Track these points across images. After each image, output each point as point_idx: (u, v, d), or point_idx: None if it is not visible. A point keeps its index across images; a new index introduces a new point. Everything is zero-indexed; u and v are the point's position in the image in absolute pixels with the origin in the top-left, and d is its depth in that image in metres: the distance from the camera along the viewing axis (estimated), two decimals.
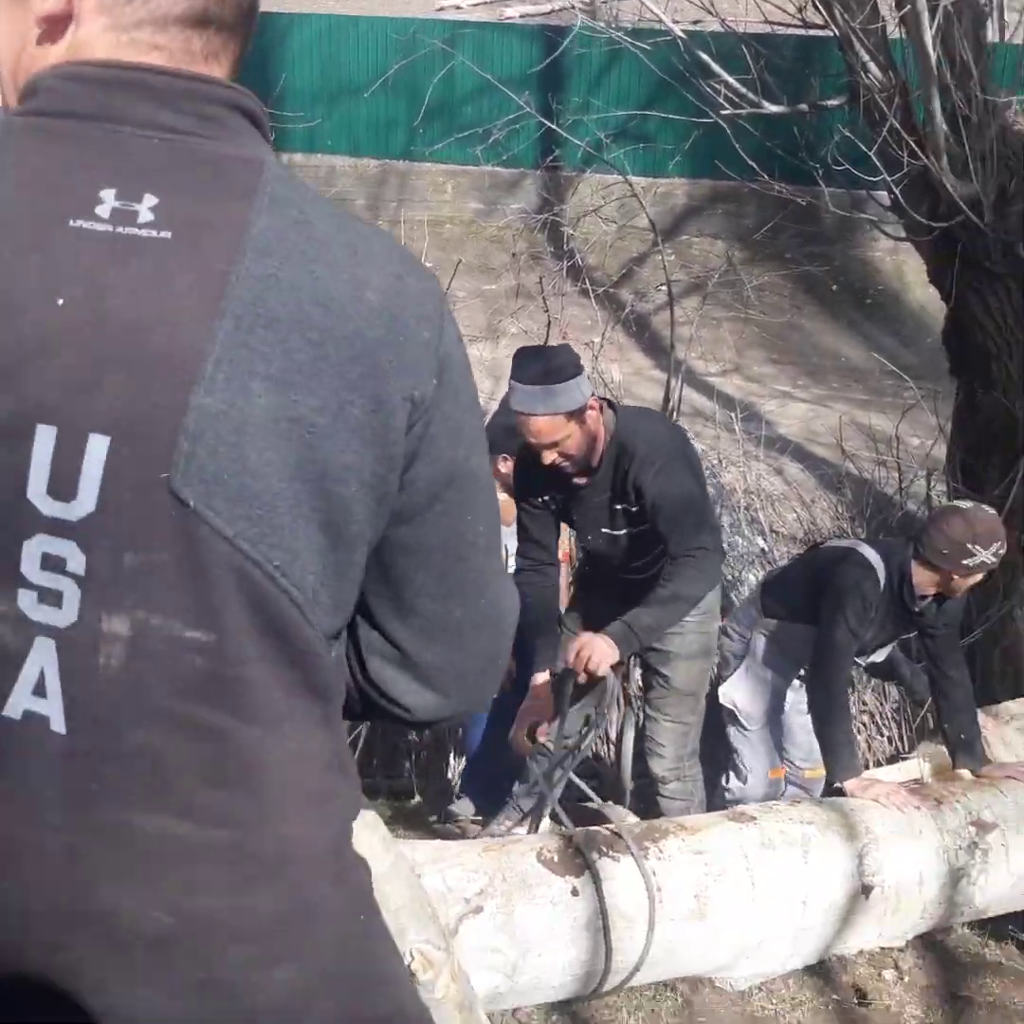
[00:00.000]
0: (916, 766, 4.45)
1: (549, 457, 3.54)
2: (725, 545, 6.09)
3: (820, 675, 3.83)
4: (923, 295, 10.50)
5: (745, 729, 4.31)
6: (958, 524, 3.77)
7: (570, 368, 3.51)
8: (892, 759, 5.27)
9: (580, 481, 3.68)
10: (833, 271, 12.43)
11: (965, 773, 3.83)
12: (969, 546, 3.75)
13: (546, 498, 3.79)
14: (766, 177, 5.49)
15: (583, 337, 9.86)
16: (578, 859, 2.97)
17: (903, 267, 12.07)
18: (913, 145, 4.46)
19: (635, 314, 11.57)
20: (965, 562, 3.78)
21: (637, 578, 3.74)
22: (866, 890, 3.26)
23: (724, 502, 6.30)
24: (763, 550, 6.00)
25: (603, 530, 3.75)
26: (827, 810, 3.40)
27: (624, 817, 4.09)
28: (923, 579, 3.88)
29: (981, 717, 4.61)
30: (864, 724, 5.67)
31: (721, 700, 4.32)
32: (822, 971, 3.38)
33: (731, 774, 4.38)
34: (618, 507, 3.68)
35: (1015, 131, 4.83)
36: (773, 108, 4.87)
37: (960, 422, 5.68)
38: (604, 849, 3.02)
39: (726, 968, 3.22)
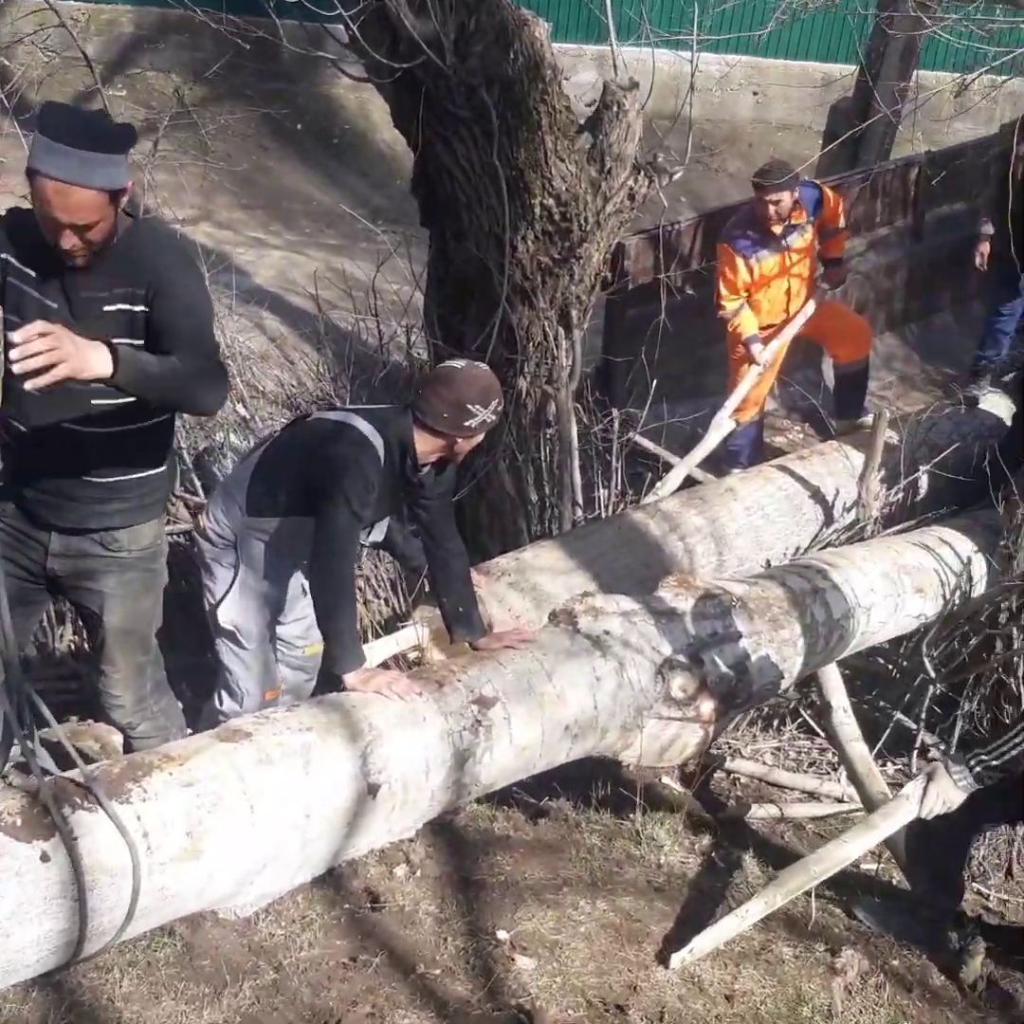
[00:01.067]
0: (414, 633, 4.38)
1: (69, 242, 2.92)
2: None
3: (323, 565, 3.54)
4: (391, 136, 10.28)
5: (242, 648, 3.96)
6: (454, 386, 3.64)
7: (127, 137, 2.94)
8: (390, 622, 5.19)
9: (79, 263, 3.02)
10: (297, 110, 11.92)
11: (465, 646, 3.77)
12: (469, 406, 3.63)
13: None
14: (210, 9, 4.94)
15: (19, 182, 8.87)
16: (47, 819, 2.58)
17: (368, 106, 11.77)
18: None
19: None
20: (467, 424, 3.66)
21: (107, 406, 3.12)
22: (373, 789, 3.11)
23: None
24: (244, 418, 5.64)
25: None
26: (327, 711, 3.19)
27: (106, 737, 3.71)
28: (427, 447, 3.71)
29: (475, 575, 4.61)
30: (360, 589, 5.54)
31: (220, 622, 3.93)
32: (332, 881, 3.23)
33: (223, 694, 4.04)
34: (119, 307, 3.07)
35: None
36: None
37: (435, 274, 5.53)
38: (79, 801, 2.65)
39: (229, 897, 2.97)
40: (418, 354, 5.90)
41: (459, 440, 3.70)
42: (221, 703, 4.01)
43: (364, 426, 3.66)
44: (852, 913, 3.92)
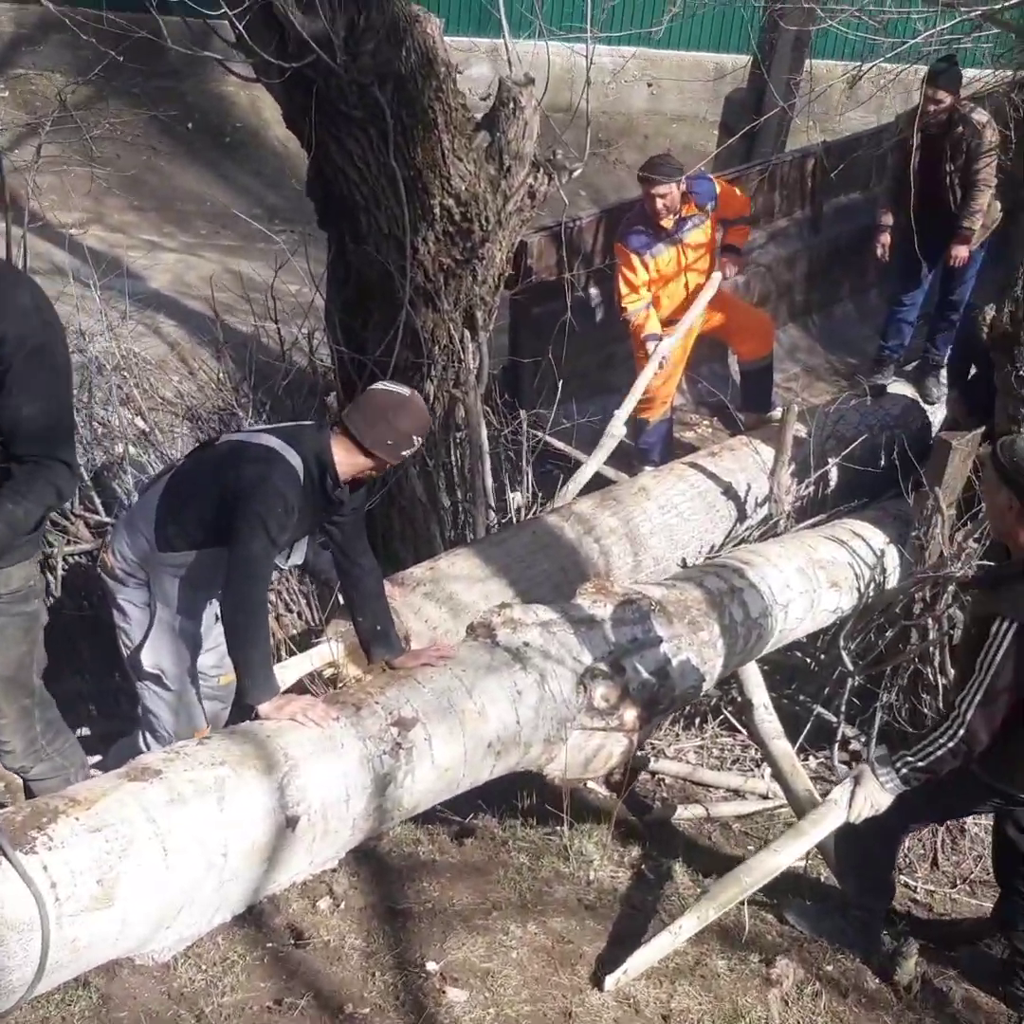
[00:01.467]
0: (329, 650, 4.25)
1: None
2: (96, 424, 5.45)
3: (236, 594, 3.38)
4: (284, 133, 10.01)
5: (167, 689, 3.78)
6: (403, 415, 3.59)
7: None
8: (304, 637, 5.05)
9: None
10: (187, 108, 11.65)
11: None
12: (413, 437, 3.62)
13: None
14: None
15: None
16: None
17: (260, 103, 11.52)
18: None
19: None
20: (404, 453, 3.65)
21: None
22: (292, 822, 2.99)
23: (93, 378, 5.62)
24: (144, 431, 5.44)
25: None
26: (241, 743, 3.06)
27: (13, 778, 3.53)
28: (351, 466, 3.61)
29: (389, 587, 4.49)
30: (272, 603, 5.38)
31: (145, 667, 3.74)
32: (254, 918, 3.10)
33: (149, 737, 3.85)
34: None
35: None
36: None
37: (334, 278, 5.39)
38: None
39: (145, 943, 2.82)
40: (320, 360, 5.74)
41: (389, 464, 3.67)
42: (147, 747, 3.81)
43: (278, 444, 3.51)
44: (783, 918, 3.87)
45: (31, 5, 11.21)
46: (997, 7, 4.80)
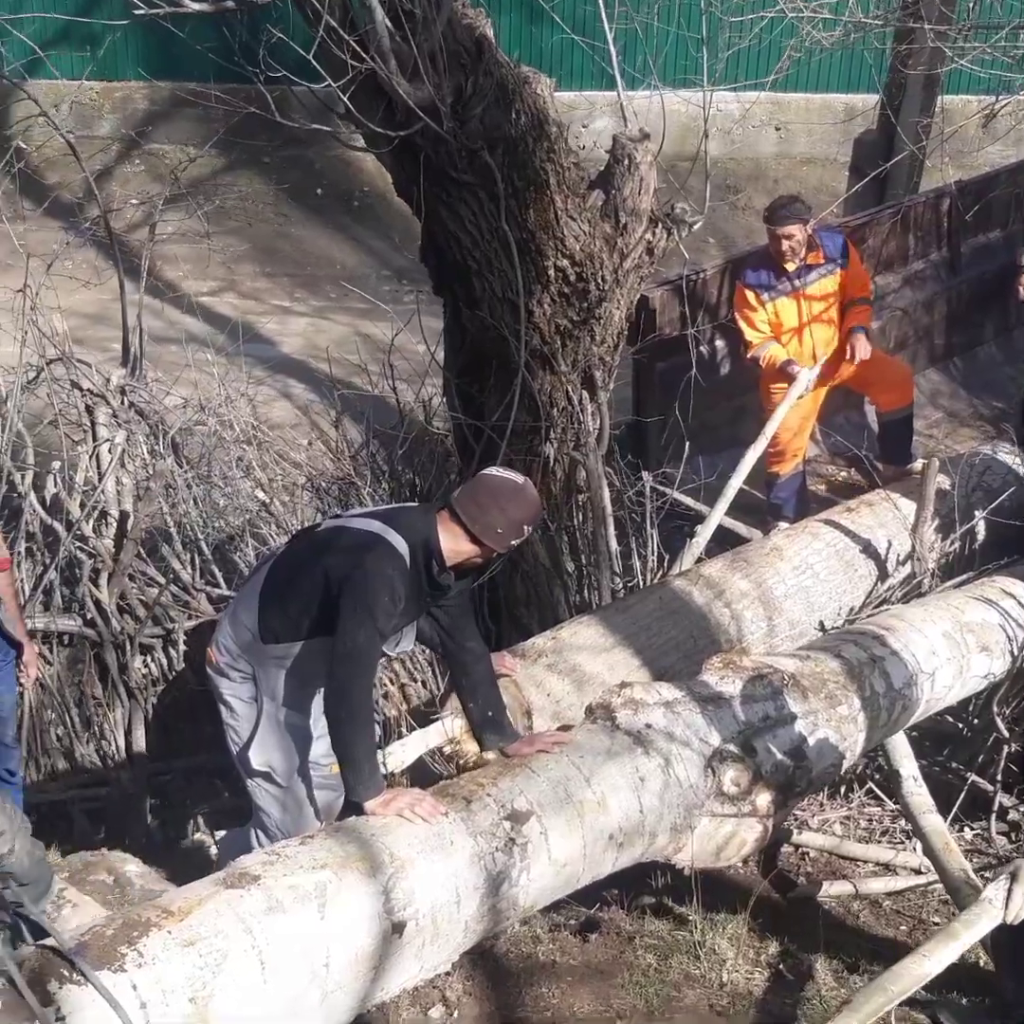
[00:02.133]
0: (448, 725, 4.11)
1: None
2: (217, 496, 5.45)
3: (341, 687, 3.26)
4: None
5: (278, 786, 3.66)
6: (516, 503, 3.46)
7: None
8: (429, 706, 4.92)
9: None
10: (314, 174, 11.84)
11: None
12: (524, 527, 3.49)
13: None
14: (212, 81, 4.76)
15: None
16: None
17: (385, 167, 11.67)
18: (354, 45, 3.92)
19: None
20: (514, 542, 3.51)
21: None
22: (398, 927, 2.84)
23: (212, 450, 5.63)
24: (264, 503, 5.41)
25: None
26: (343, 843, 2.93)
27: (119, 868, 3.46)
28: (458, 552, 3.47)
29: (510, 659, 4.36)
30: (394, 673, 5.29)
31: (254, 765, 3.64)
32: None
33: (260, 835, 3.72)
34: None
35: (465, 25, 4.39)
36: (196, 6, 4.15)
37: (451, 344, 5.31)
38: (66, 975, 2.39)
39: None
40: (437, 428, 5.66)
41: (497, 553, 3.53)
42: (259, 844, 3.68)
43: (381, 529, 3.40)
44: (936, 1018, 3.58)
45: (162, 81, 11.58)
46: None
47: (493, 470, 3.58)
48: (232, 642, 3.61)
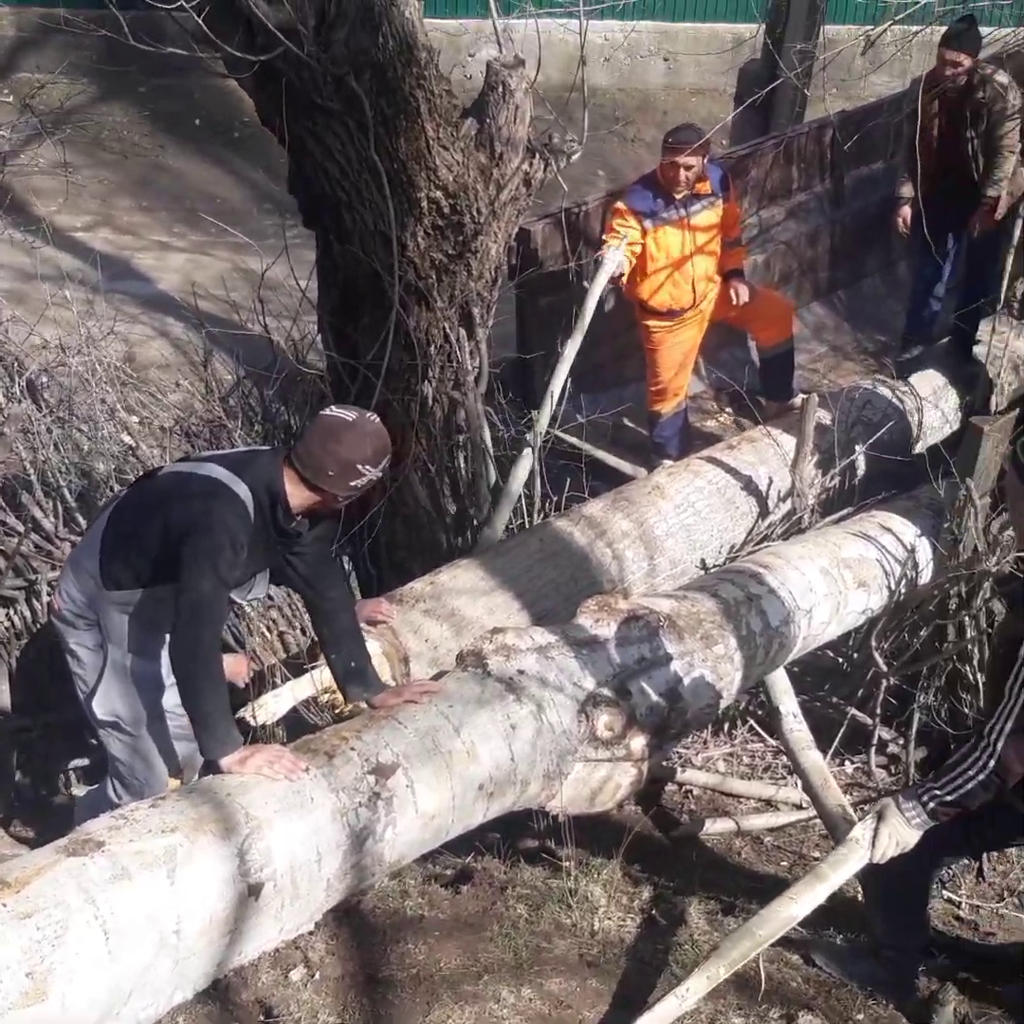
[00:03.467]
0: (319, 675, 4.00)
1: None
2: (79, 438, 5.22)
3: (186, 639, 3.14)
4: None
5: (129, 735, 3.54)
6: (345, 442, 3.27)
7: None
8: (297, 658, 4.80)
9: None
10: (193, 104, 11.42)
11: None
12: (358, 466, 3.29)
13: None
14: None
15: None
16: None
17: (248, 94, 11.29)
18: None
19: None
20: (353, 483, 3.31)
21: None
22: (254, 890, 2.74)
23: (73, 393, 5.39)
24: (130, 447, 5.21)
25: None
26: (197, 804, 2.81)
27: None
28: (301, 499, 3.33)
29: (385, 606, 4.25)
30: (273, 620, 5.14)
31: (99, 715, 3.52)
32: (219, 994, 2.84)
33: (118, 786, 3.60)
34: None
35: None
36: None
37: (324, 279, 5.13)
38: None
39: None
40: (311, 367, 5.47)
41: (339, 498, 3.33)
42: (119, 797, 3.58)
43: (224, 475, 3.25)
44: (810, 959, 3.59)
45: (32, 8, 11.05)
46: None
47: (328, 409, 3.39)
48: (75, 589, 3.48)
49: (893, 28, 5.29)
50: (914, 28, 5.82)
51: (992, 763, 3.01)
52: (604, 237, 6.06)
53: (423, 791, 3.10)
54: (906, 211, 6.42)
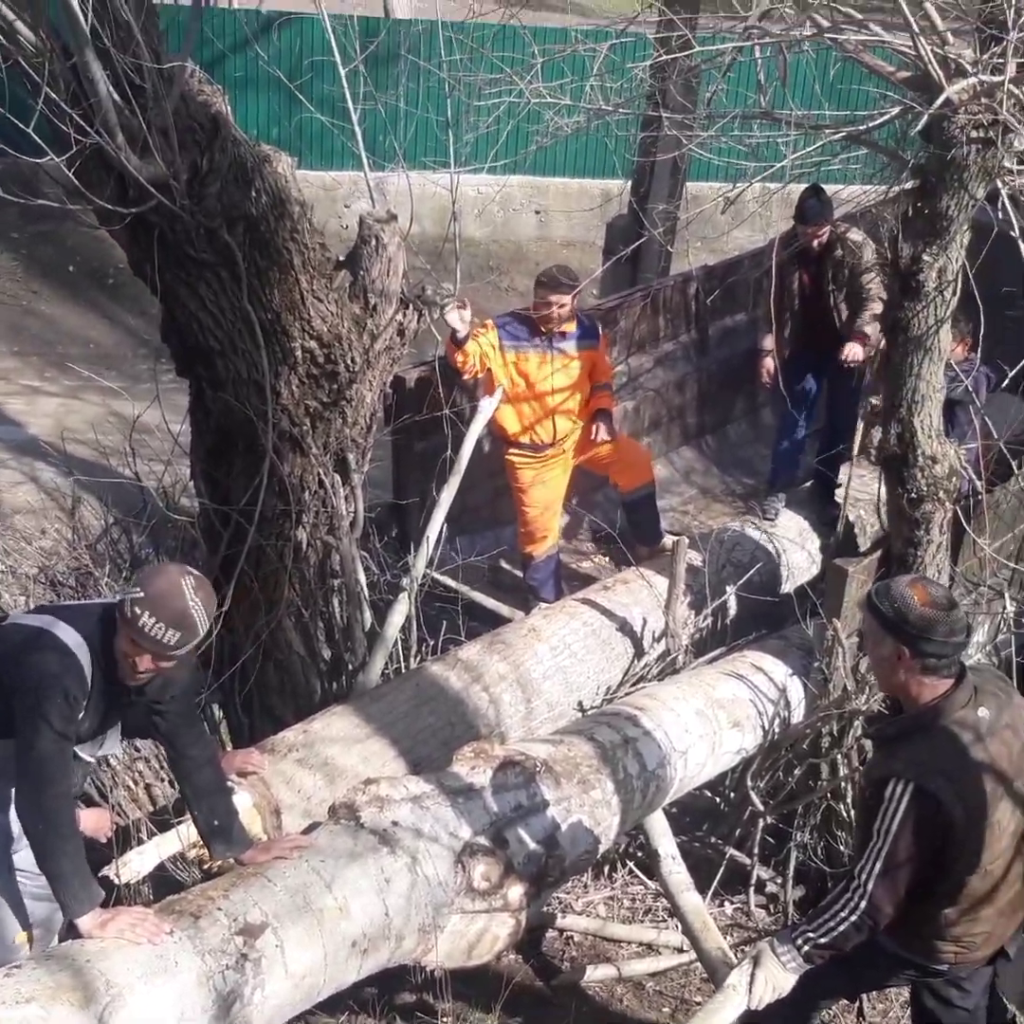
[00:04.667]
0: (186, 830, 3.88)
1: None
2: None
3: (31, 798, 3.02)
4: None
5: None
6: (158, 604, 3.09)
7: None
8: (163, 813, 4.64)
9: None
10: (67, 250, 11.46)
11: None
12: (169, 630, 3.10)
13: None
14: None
15: None
16: None
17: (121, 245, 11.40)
18: (78, 119, 3.75)
19: None
20: (169, 640, 3.12)
21: None
22: None
23: None
24: None
25: None
26: (54, 972, 2.69)
27: None
28: (126, 651, 3.18)
29: (256, 756, 4.16)
30: (139, 773, 4.98)
31: None
32: None
33: None
34: None
35: (200, 101, 4.27)
36: None
37: (197, 426, 5.11)
38: None
39: None
40: (182, 513, 5.43)
41: (162, 663, 3.18)
42: None
43: (63, 631, 3.15)
44: None
45: None
46: (862, 128, 4.74)
47: (161, 564, 3.28)
48: None
49: (754, 186, 5.56)
50: (773, 186, 6.14)
51: (864, 904, 3.03)
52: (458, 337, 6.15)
53: (293, 951, 3.01)
54: (769, 363, 6.67)
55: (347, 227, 10.59)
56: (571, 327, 6.20)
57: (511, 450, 6.36)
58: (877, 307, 6.49)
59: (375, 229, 4.88)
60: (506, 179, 10.73)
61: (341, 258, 4.98)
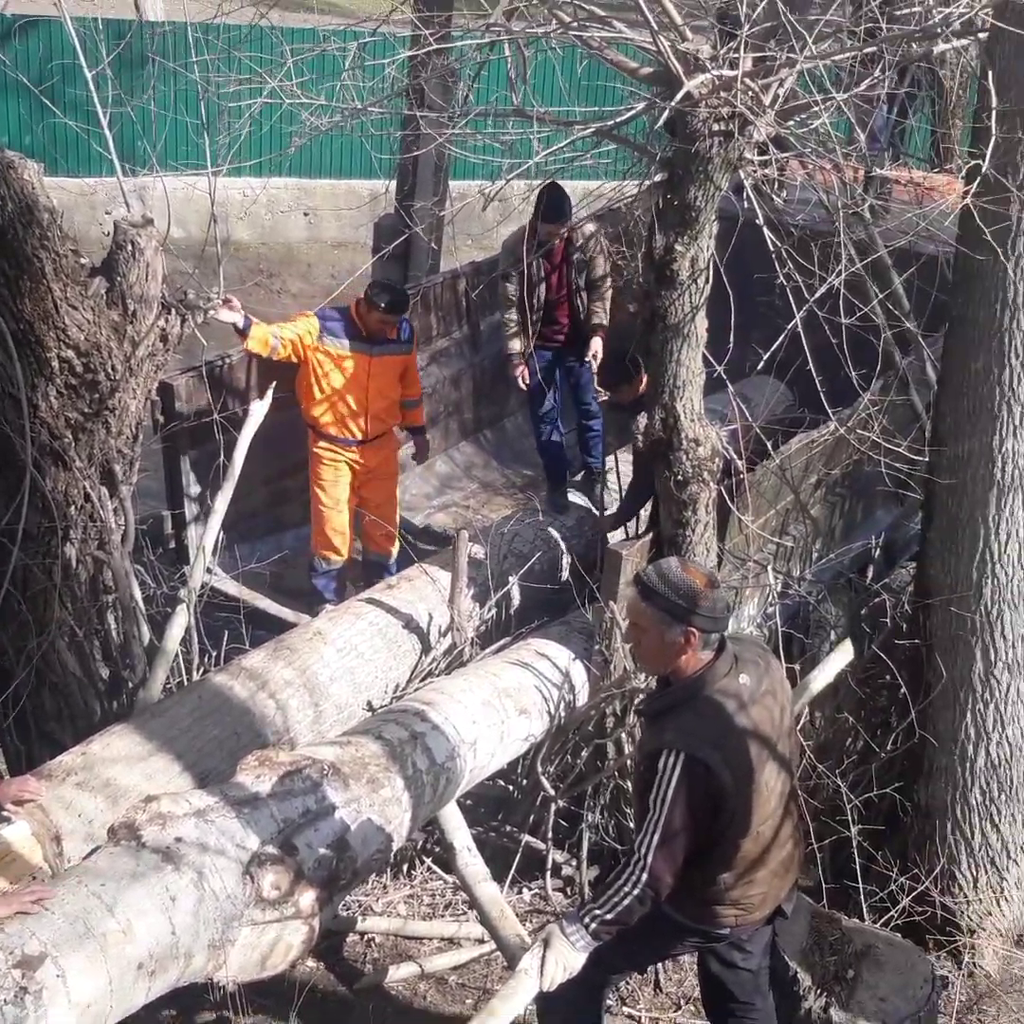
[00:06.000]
0: None
1: None
2: None
3: None
4: None
5: None
6: None
7: None
8: None
9: None
10: None
11: None
12: None
13: None
14: None
15: None
16: None
17: None
18: None
19: None
20: None
21: None
22: None
23: None
24: None
25: None
26: None
27: None
28: None
29: (33, 783, 4.01)
30: None
31: None
32: None
33: None
34: None
35: None
36: None
37: None
38: None
39: None
40: None
41: None
42: None
43: None
44: None
45: None
46: (610, 123, 4.85)
47: None
48: None
49: (516, 182, 5.65)
50: (534, 183, 6.26)
51: (645, 877, 3.12)
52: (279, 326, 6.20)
53: (76, 979, 2.92)
54: (523, 369, 6.79)
55: (108, 233, 10.28)
56: (393, 333, 6.26)
57: (320, 443, 6.33)
58: (606, 300, 6.80)
59: (131, 234, 4.76)
60: (270, 181, 10.60)
61: (97, 265, 4.85)
